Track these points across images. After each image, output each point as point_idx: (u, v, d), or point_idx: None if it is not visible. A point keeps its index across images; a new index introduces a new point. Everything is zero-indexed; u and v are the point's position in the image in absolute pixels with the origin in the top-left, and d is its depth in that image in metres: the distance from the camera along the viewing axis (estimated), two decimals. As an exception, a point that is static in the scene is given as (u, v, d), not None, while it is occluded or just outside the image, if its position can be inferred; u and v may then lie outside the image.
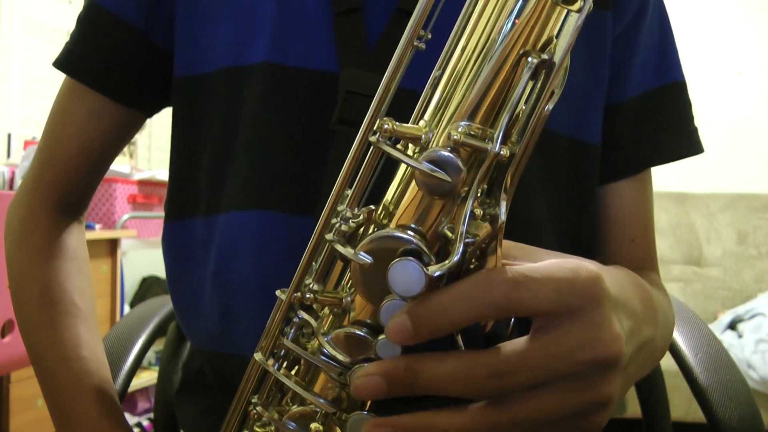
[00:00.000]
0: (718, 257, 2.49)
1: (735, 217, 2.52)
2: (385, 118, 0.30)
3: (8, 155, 2.09)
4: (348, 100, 0.45)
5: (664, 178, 1.67)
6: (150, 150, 2.73)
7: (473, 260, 0.31)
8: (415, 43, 0.31)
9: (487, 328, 0.35)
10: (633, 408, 1.65)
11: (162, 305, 0.74)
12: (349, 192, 0.33)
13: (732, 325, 2.15)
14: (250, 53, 0.48)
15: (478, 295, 0.29)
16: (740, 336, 2.06)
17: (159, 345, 1.37)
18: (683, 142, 0.55)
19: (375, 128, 0.31)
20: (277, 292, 0.35)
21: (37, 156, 0.57)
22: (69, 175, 0.56)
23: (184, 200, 0.53)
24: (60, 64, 0.55)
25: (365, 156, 0.32)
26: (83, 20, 0.54)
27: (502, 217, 0.30)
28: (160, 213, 2.29)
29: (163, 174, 2.25)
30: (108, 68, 0.53)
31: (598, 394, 0.30)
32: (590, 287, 0.30)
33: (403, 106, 0.34)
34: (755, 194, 2.56)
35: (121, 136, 0.57)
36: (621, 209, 0.55)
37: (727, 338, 2.08)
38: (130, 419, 2.20)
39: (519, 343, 0.30)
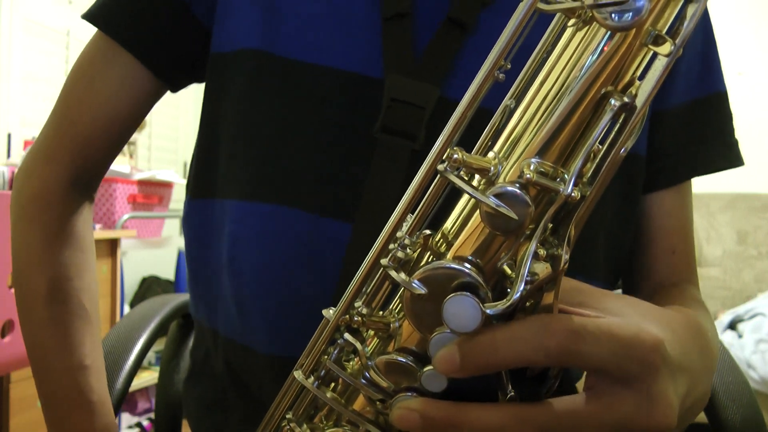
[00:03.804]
0: (718, 257, 2.49)
1: (735, 217, 2.52)
2: (455, 148, 0.29)
3: (8, 155, 2.08)
4: (392, 108, 0.43)
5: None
6: (150, 150, 2.72)
7: (529, 298, 0.30)
8: (495, 74, 0.30)
9: (534, 371, 0.34)
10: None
11: (162, 305, 0.73)
12: (410, 219, 0.32)
13: (732, 325, 2.14)
14: (284, 43, 0.46)
15: (533, 340, 0.28)
16: (740, 336, 2.06)
17: (159, 345, 1.37)
18: (725, 153, 0.54)
19: (444, 157, 0.29)
20: (324, 312, 0.34)
21: (55, 122, 0.52)
22: (91, 148, 0.52)
23: (206, 178, 0.50)
24: (93, 18, 0.50)
25: (430, 183, 0.31)
26: None
27: (565, 257, 0.29)
28: (160, 213, 2.28)
29: (163, 174, 2.24)
30: (145, 31, 0.50)
31: None
32: (649, 355, 0.29)
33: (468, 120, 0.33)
34: (755, 194, 2.56)
35: (145, 110, 0.53)
36: (662, 219, 0.54)
37: (727, 338, 2.07)
38: (130, 419, 2.20)
39: (570, 402, 0.29)
